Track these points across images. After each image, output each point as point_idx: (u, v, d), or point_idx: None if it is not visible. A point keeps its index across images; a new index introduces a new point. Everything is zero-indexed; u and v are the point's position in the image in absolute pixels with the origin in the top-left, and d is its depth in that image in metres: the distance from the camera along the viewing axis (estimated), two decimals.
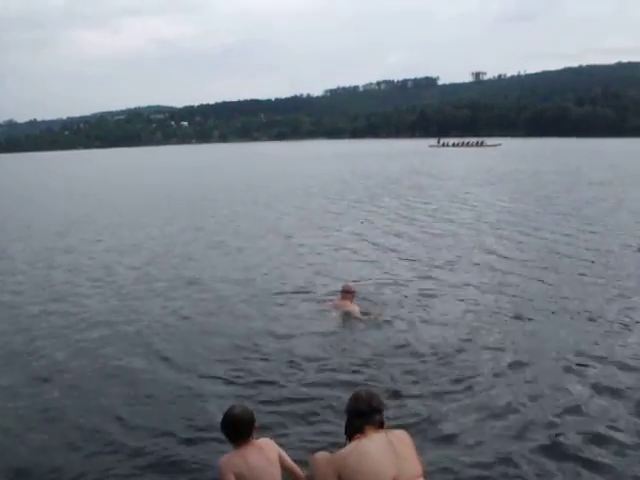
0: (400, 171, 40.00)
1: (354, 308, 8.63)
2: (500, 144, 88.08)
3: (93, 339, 7.93)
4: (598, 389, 5.91)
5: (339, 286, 9.22)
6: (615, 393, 5.82)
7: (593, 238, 14.02)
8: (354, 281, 9.94)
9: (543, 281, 10.25)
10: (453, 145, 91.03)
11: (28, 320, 8.93)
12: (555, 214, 17.95)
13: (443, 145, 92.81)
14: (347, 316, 8.46)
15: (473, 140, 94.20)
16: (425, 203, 22.01)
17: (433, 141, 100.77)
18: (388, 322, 8.21)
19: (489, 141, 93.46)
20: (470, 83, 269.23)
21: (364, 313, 8.56)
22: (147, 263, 12.95)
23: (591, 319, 8.04)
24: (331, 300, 9.09)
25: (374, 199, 23.73)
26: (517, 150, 74.34)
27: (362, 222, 17.45)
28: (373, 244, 14.30)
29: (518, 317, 8.26)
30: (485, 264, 11.68)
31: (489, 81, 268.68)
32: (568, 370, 6.40)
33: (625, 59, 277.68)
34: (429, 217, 18.38)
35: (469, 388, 5.99)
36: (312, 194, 26.39)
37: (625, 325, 7.83)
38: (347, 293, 8.77)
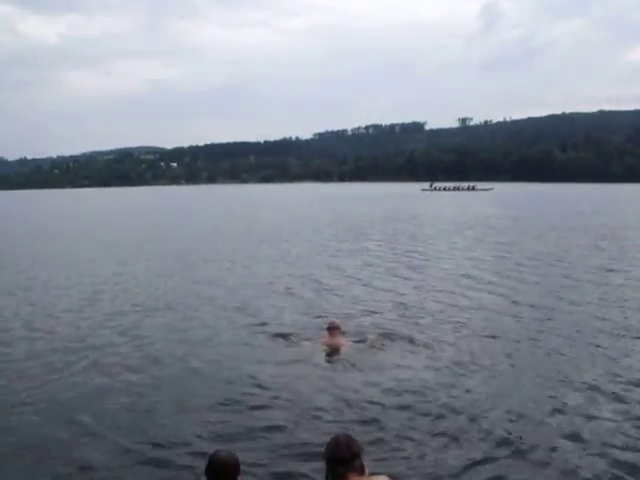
0: (398, 214, 40.49)
1: (342, 343, 8.63)
2: (492, 188, 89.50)
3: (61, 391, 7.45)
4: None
5: (324, 323, 9.24)
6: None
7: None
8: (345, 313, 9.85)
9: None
10: (445, 189, 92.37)
11: None
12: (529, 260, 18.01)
13: (435, 189, 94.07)
14: (336, 353, 8.43)
15: (465, 184, 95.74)
16: (415, 249, 22.15)
17: (425, 185, 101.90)
18: (375, 364, 8.06)
19: (481, 185, 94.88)
20: (457, 128, 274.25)
21: (357, 341, 8.76)
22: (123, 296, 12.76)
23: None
24: (318, 337, 9.03)
25: (364, 241, 24.19)
26: (507, 195, 75.08)
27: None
28: (356, 283, 14.41)
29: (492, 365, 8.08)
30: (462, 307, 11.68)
31: (475, 127, 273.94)
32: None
33: (607, 107, 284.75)
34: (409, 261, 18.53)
35: (455, 440, 5.71)
36: (298, 236, 26.56)
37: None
38: (334, 329, 8.75)
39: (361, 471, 3.38)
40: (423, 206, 51.75)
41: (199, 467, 4.97)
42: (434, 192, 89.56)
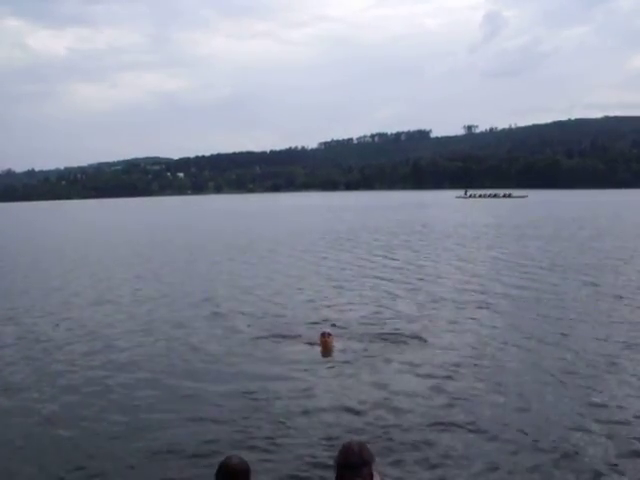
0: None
1: (333, 351, 8.83)
2: (527, 196, 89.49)
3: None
4: None
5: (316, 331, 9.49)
6: None
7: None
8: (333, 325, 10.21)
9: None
10: (481, 196, 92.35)
11: None
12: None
13: (470, 197, 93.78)
14: (327, 361, 8.58)
15: (501, 192, 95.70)
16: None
17: (460, 192, 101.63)
18: (367, 369, 8.13)
19: (516, 193, 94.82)
20: (462, 136, 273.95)
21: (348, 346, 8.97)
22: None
23: None
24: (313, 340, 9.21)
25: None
26: (541, 202, 73.47)
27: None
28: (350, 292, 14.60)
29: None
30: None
31: (481, 134, 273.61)
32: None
33: (612, 113, 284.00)
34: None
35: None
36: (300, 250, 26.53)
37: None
38: (326, 338, 8.95)
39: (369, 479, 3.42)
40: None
41: (206, 474, 5.14)
42: (469, 199, 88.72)
